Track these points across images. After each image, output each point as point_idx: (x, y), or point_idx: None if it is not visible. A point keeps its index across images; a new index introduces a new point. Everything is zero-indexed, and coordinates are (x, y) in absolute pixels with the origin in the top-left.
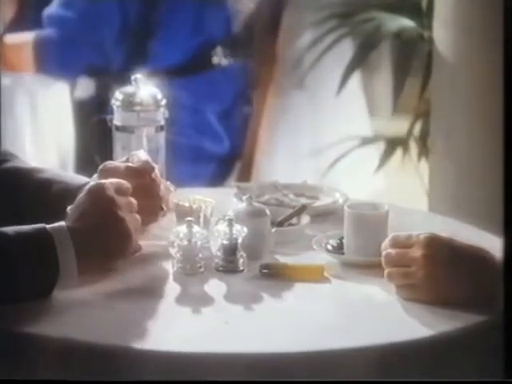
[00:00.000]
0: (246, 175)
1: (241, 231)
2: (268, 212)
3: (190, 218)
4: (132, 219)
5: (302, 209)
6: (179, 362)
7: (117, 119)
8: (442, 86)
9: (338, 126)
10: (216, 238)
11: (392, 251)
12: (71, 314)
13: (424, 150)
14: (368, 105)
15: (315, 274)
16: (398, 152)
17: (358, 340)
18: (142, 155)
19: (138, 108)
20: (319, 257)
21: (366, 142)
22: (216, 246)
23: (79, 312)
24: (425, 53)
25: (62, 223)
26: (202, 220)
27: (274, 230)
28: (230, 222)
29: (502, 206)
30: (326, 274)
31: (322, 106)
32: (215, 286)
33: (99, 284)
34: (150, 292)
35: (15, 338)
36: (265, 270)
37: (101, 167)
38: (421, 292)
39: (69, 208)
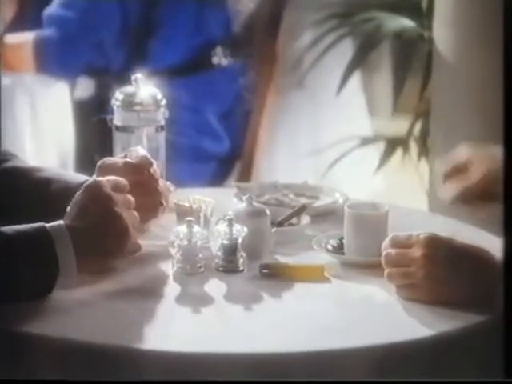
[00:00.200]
0: (246, 175)
1: (241, 231)
2: (268, 212)
3: (190, 218)
4: (130, 216)
5: (302, 209)
6: (179, 362)
7: (117, 119)
8: (442, 86)
9: (338, 126)
10: (216, 237)
11: (392, 251)
12: (71, 314)
13: (424, 150)
14: (368, 105)
15: (315, 274)
16: (398, 152)
17: (358, 340)
18: (140, 151)
19: (138, 108)
20: (319, 257)
21: (366, 141)
22: (216, 245)
23: (79, 312)
24: (425, 53)
25: (61, 222)
26: (202, 220)
27: (274, 230)
28: (230, 222)
29: (502, 206)
30: (326, 274)
31: (321, 105)
32: (215, 286)
33: (99, 284)
34: (150, 292)
35: (15, 338)
36: (265, 270)
37: (99, 164)
38: (421, 292)
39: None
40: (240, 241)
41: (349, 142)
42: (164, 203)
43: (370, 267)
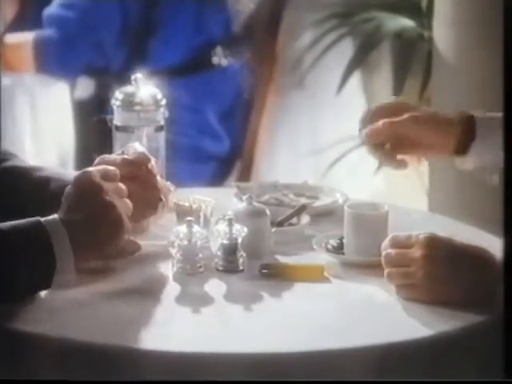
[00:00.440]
0: (246, 175)
1: (241, 231)
2: (268, 212)
3: (189, 218)
4: (122, 204)
5: (302, 209)
6: (179, 362)
7: (117, 119)
8: (442, 86)
9: (338, 126)
10: (216, 237)
11: (392, 251)
12: (71, 314)
13: None
14: (368, 104)
15: (315, 274)
16: None
17: (358, 340)
18: (137, 147)
19: (137, 108)
20: (319, 257)
21: None
22: (216, 245)
23: (79, 312)
24: (425, 53)
25: (56, 216)
26: (201, 220)
27: (273, 229)
28: (230, 222)
29: (502, 206)
30: (326, 273)
31: (321, 105)
32: (215, 286)
33: (99, 284)
34: (150, 292)
35: (15, 337)
36: (265, 270)
37: (97, 161)
38: (420, 292)
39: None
40: (240, 241)
41: (349, 142)
42: (163, 199)
43: (369, 267)
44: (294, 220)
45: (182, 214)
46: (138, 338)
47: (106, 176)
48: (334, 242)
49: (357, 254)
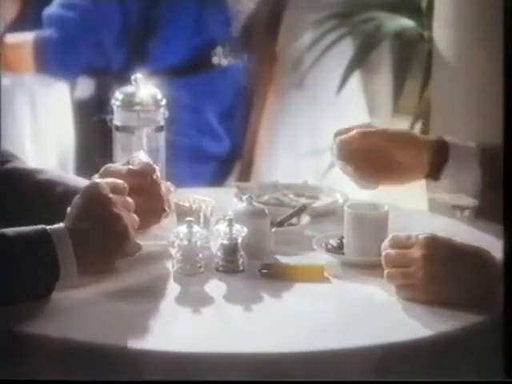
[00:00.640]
0: (246, 175)
1: (241, 231)
2: (268, 212)
3: (190, 218)
4: (129, 218)
5: (302, 209)
6: (179, 362)
7: (117, 119)
8: (442, 86)
9: (338, 126)
10: (216, 237)
11: (392, 251)
12: (71, 314)
13: None
14: (368, 105)
15: (315, 274)
16: None
17: (358, 340)
18: (142, 157)
19: (137, 108)
20: (319, 257)
21: None
22: (216, 245)
23: (79, 312)
24: (425, 53)
25: (61, 224)
26: (202, 220)
27: (274, 230)
28: (230, 222)
29: (502, 206)
30: (326, 274)
31: (321, 105)
32: (215, 286)
33: (99, 284)
34: (150, 292)
35: (15, 337)
36: (265, 270)
37: (102, 170)
38: (420, 292)
39: (68, 209)
40: (240, 241)
41: None
42: (167, 209)
43: (369, 267)
44: (294, 220)
45: (182, 214)
46: (138, 338)
47: (115, 189)
48: (334, 242)
49: (357, 254)
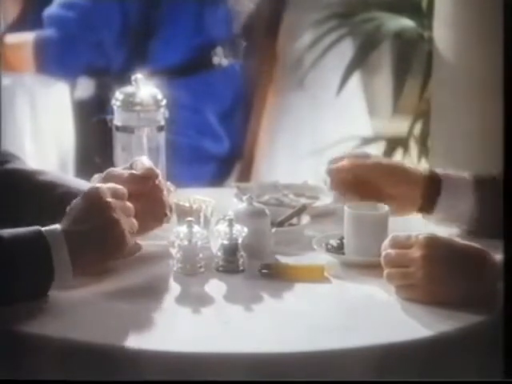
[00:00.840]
0: (246, 175)
1: (241, 231)
2: (268, 212)
3: (190, 218)
4: (128, 223)
5: (302, 209)
6: (179, 362)
7: (117, 119)
8: (442, 85)
9: (338, 126)
10: (216, 238)
11: (391, 251)
12: (71, 314)
13: (424, 150)
14: (368, 105)
15: (315, 274)
16: (398, 152)
17: (358, 340)
18: (145, 161)
19: (138, 108)
20: (319, 257)
21: (366, 142)
22: (216, 246)
23: (79, 312)
24: (425, 53)
25: (57, 226)
26: (202, 220)
27: (274, 230)
28: (231, 222)
29: (502, 206)
30: (326, 274)
31: (322, 106)
32: (215, 286)
33: (99, 284)
34: (150, 292)
35: (15, 337)
36: (265, 270)
37: (104, 174)
38: (420, 292)
39: (67, 210)
40: (240, 241)
41: (349, 142)
42: (168, 214)
43: (369, 267)
44: (294, 220)
45: (183, 214)
46: (138, 338)
47: (115, 194)
48: (334, 242)
49: (357, 254)
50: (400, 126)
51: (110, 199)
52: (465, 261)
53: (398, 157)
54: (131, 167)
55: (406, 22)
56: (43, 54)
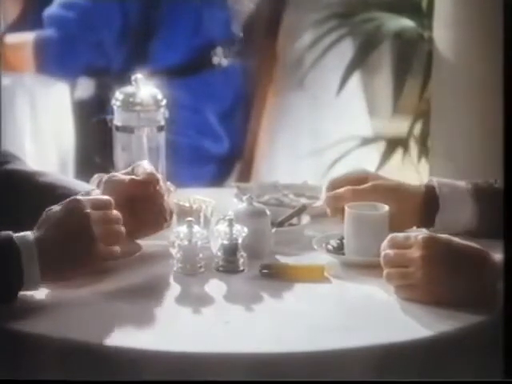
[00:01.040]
0: (246, 175)
1: (241, 231)
2: (268, 212)
3: (190, 218)
4: (110, 231)
5: (302, 209)
6: (179, 362)
7: (117, 119)
8: (442, 85)
9: (338, 126)
10: (216, 238)
11: (391, 252)
12: (71, 314)
13: (424, 150)
14: (368, 105)
15: (315, 274)
16: (398, 152)
17: (358, 340)
18: (146, 166)
19: (138, 108)
20: (319, 257)
21: (366, 142)
22: (216, 246)
23: (80, 312)
24: (425, 53)
25: (29, 233)
26: (202, 220)
27: (274, 230)
28: (231, 222)
29: (502, 206)
30: (326, 274)
31: (322, 106)
32: (215, 286)
33: (99, 284)
34: (150, 292)
35: (15, 338)
36: (265, 270)
37: (105, 179)
38: (419, 292)
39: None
40: (240, 241)
41: (349, 142)
42: (168, 219)
43: (369, 267)
44: (295, 220)
45: (183, 214)
46: (138, 338)
47: (96, 205)
48: (334, 243)
49: (357, 254)
50: (400, 125)
51: (88, 210)
52: (464, 261)
53: (397, 157)
54: (132, 171)
55: (406, 22)
56: (43, 54)
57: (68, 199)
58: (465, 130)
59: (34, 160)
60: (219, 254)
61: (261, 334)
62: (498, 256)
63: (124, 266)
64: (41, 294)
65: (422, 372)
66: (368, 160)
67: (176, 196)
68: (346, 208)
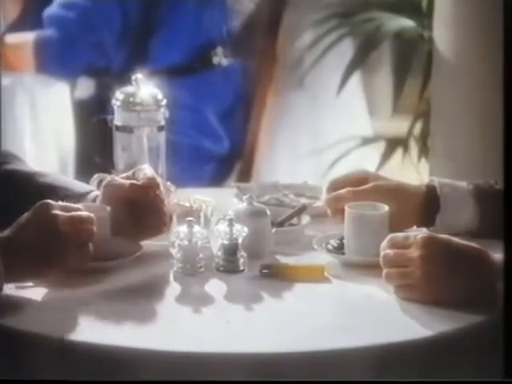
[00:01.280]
0: (246, 175)
1: (241, 231)
2: (268, 212)
3: (190, 218)
4: (82, 231)
5: (302, 209)
6: (179, 362)
7: (117, 119)
8: (442, 85)
9: (338, 126)
10: (216, 237)
11: (390, 252)
12: (71, 314)
13: (424, 150)
14: (368, 105)
15: (316, 274)
16: (398, 152)
17: (358, 340)
18: (147, 170)
19: (138, 108)
20: (320, 257)
21: (366, 141)
22: (216, 246)
23: (79, 312)
24: (425, 53)
25: None
26: (202, 220)
27: (274, 230)
28: (231, 222)
29: (502, 206)
30: (326, 274)
31: (322, 106)
32: (215, 286)
33: (99, 284)
34: (150, 292)
35: (15, 337)
36: (265, 270)
37: (105, 183)
38: (419, 292)
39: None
40: (240, 241)
41: (349, 142)
42: (168, 223)
43: (369, 267)
44: (295, 220)
45: (183, 214)
46: (138, 338)
47: (66, 208)
48: (334, 242)
49: (357, 254)
50: (400, 125)
51: (55, 211)
52: (464, 260)
53: (397, 157)
54: (133, 176)
55: (406, 22)
56: (43, 53)
57: (38, 202)
58: (465, 129)
59: (33, 160)
60: (219, 253)
61: (261, 333)
62: (497, 256)
63: (124, 266)
64: (41, 293)
65: (421, 372)
66: (368, 160)
67: (176, 196)
68: (346, 208)
